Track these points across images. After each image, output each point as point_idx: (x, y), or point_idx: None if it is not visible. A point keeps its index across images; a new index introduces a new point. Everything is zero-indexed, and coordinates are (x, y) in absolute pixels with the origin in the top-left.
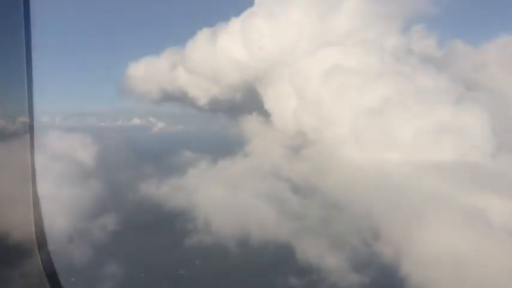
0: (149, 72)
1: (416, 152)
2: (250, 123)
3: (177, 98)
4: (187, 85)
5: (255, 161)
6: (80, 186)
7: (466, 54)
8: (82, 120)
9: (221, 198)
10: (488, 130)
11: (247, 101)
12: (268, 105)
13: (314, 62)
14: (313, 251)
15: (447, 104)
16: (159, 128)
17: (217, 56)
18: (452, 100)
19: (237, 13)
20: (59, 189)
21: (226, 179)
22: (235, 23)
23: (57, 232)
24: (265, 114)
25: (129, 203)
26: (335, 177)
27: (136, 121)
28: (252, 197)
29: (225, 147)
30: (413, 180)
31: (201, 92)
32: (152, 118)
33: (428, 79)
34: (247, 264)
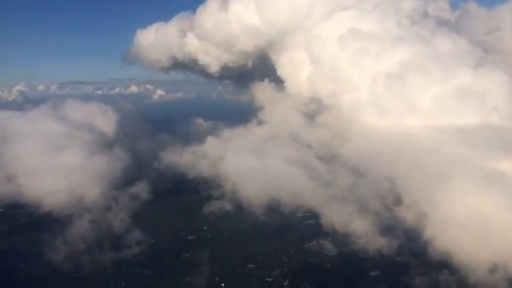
0: (158, 39)
1: (437, 116)
2: (262, 90)
3: (187, 65)
4: (198, 52)
5: (272, 128)
6: (104, 155)
7: (479, 17)
8: (78, 89)
9: (245, 165)
10: (509, 93)
11: (258, 68)
12: (281, 71)
13: (329, 27)
14: (339, 216)
15: (467, 67)
16: (159, 95)
17: (229, 22)
18: (472, 63)
19: None
20: (85, 158)
21: (247, 145)
22: None
23: (87, 200)
24: (277, 80)
25: (153, 171)
26: (355, 142)
27: (133, 89)
28: (275, 163)
29: (237, 115)
30: (434, 145)
31: (212, 59)
32: (150, 86)
33: (446, 42)
34: (269, 229)
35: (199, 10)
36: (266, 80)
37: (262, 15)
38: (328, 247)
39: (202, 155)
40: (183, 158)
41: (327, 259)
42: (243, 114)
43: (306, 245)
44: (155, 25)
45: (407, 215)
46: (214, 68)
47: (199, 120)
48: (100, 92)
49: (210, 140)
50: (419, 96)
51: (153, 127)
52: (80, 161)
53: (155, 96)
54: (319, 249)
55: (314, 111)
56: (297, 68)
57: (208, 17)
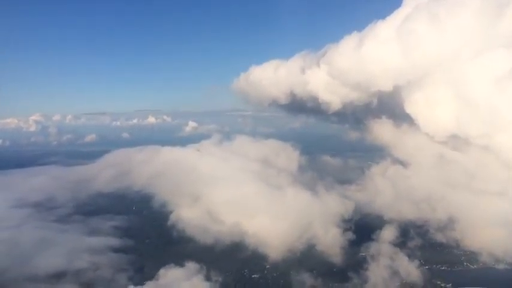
0: (277, 75)
1: None
2: (381, 128)
3: (303, 102)
4: (321, 90)
5: (425, 168)
6: (315, 194)
7: None
8: (93, 119)
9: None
10: None
11: (380, 105)
12: (413, 109)
13: (482, 65)
14: None
15: None
16: (191, 127)
17: (366, 62)
18: None
19: (383, 15)
20: (298, 198)
21: (434, 187)
22: (381, 26)
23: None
24: (397, 117)
25: (358, 212)
26: None
27: (151, 120)
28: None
29: (357, 151)
30: None
31: (337, 97)
32: (166, 117)
33: None
34: None
35: (331, 49)
36: (383, 117)
37: (405, 55)
38: None
39: (394, 196)
40: (375, 199)
41: None
42: (366, 151)
43: None
44: (273, 62)
45: None
46: (335, 105)
47: (325, 157)
48: (118, 123)
49: (377, 180)
50: None
51: None
52: (294, 200)
53: (187, 129)
54: None
55: (455, 149)
56: (433, 106)
57: (341, 55)
